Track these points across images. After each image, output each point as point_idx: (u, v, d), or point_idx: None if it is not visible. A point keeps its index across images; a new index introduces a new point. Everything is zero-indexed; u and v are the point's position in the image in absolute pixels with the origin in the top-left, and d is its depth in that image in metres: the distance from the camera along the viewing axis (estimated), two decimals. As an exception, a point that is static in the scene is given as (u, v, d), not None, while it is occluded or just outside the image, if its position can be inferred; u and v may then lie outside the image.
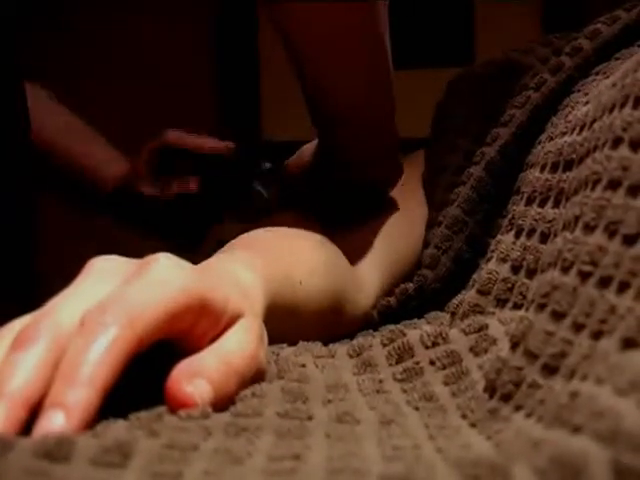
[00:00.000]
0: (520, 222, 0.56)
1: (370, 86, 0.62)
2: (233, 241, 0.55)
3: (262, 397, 0.38)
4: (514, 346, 0.40)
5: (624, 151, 0.40)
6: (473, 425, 0.38)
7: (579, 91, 0.59)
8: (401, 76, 0.66)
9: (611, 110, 0.44)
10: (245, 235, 0.56)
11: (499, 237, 0.59)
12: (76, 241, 0.94)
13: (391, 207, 0.69)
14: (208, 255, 0.49)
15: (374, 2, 0.56)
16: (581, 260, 0.38)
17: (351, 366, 0.47)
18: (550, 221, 0.52)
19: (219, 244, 0.53)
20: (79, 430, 0.32)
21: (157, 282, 0.37)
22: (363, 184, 0.68)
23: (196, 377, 0.36)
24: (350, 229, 0.67)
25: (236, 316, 0.40)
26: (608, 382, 0.29)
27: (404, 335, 0.48)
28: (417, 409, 0.40)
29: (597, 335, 0.34)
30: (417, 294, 0.63)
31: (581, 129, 0.52)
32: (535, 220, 0.54)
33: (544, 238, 0.53)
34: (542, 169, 0.56)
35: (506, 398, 0.38)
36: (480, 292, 0.57)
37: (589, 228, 0.40)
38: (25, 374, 0.33)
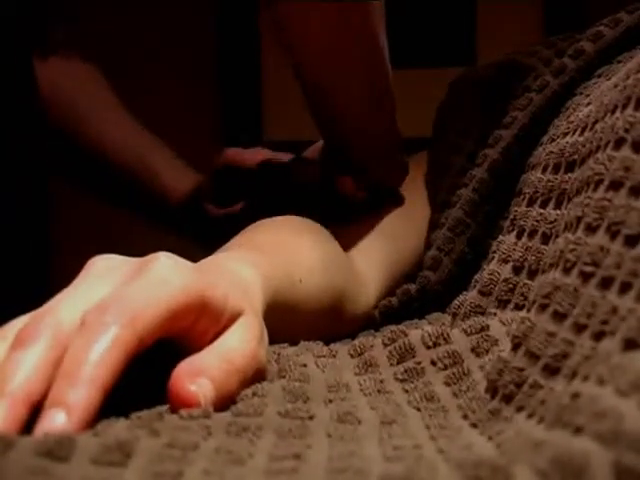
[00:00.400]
0: (522, 223, 0.56)
1: (368, 85, 0.62)
2: (233, 239, 0.55)
3: (263, 396, 0.38)
4: (515, 347, 0.40)
5: (626, 152, 0.40)
6: (474, 426, 0.38)
7: (581, 93, 0.59)
8: (403, 75, 0.66)
9: (613, 111, 0.44)
10: (245, 233, 0.56)
11: (501, 238, 0.59)
12: (92, 240, 0.93)
13: (393, 207, 0.69)
14: None
15: (369, 2, 0.57)
16: (583, 261, 0.38)
17: (352, 366, 0.46)
18: (552, 222, 0.52)
19: None
20: (80, 429, 0.32)
21: (157, 281, 0.37)
22: (366, 183, 0.68)
23: (199, 376, 0.36)
24: (351, 228, 0.67)
25: (236, 314, 0.40)
26: (610, 383, 0.29)
27: (405, 335, 0.47)
28: (418, 409, 0.40)
29: (599, 336, 0.34)
30: (419, 295, 0.63)
31: (583, 130, 0.52)
32: (537, 221, 0.54)
33: (546, 239, 0.53)
34: (544, 170, 0.56)
35: (507, 399, 0.38)
36: (481, 293, 0.57)
37: (591, 229, 0.39)
38: (26, 373, 0.33)
